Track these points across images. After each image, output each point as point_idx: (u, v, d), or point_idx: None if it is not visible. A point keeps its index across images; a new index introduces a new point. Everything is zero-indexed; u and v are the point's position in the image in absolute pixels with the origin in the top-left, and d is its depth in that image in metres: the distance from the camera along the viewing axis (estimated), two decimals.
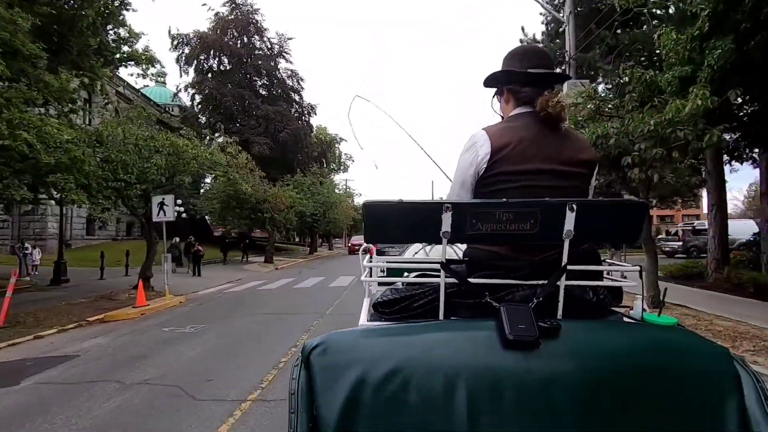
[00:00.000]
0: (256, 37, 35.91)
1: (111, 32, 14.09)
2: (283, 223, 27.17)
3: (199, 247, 18.88)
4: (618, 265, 1.52)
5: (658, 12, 12.05)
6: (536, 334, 1.01)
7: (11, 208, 11.87)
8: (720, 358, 1.04)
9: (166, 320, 9.03)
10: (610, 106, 8.10)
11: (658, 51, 8.73)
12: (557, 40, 14.03)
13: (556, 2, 13.92)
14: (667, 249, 21.50)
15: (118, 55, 14.06)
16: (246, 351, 6.26)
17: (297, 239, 52.59)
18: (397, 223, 1.24)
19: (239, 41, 35.17)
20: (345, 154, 55.08)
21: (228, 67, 35.17)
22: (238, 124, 33.72)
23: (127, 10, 13.89)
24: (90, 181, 9.63)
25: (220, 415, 3.95)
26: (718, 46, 6.15)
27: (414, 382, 0.97)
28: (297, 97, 38.51)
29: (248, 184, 21.28)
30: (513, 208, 1.16)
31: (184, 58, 34.65)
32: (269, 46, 36.48)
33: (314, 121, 41.19)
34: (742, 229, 18.87)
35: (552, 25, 14.41)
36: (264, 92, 36.70)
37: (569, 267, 1.20)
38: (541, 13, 14.94)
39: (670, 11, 9.90)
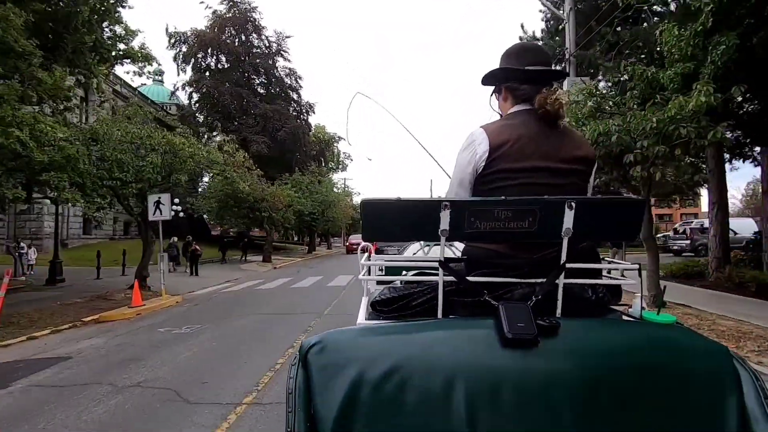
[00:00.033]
0: (254, 35, 35.67)
1: (107, 29, 13.94)
2: (281, 222, 27.02)
3: (197, 247, 18.75)
4: (617, 263, 1.50)
5: (659, 9, 11.99)
6: (535, 333, 1.01)
7: (5, 207, 11.69)
8: (719, 356, 1.04)
9: (161, 320, 8.92)
10: (611, 103, 8.00)
11: (659, 48, 8.64)
12: (557, 38, 13.92)
13: None
14: (675, 248, 21.31)
15: (114, 53, 13.90)
16: (242, 352, 6.15)
17: (295, 238, 52.44)
18: (395, 221, 1.23)
19: (237, 39, 34.93)
20: (343, 153, 54.96)
21: (226, 66, 34.94)
22: (236, 123, 33.52)
23: (123, 7, 13.72)
24: (84, 179, 9.50)
25: (214, 419, 3.85)
26: (722, 42, 6.05)
27: (412, 381, 0.96)
28: (295, 96, 38.28)
29: (246, 183, 21.13)
30: (512, 206, 1.15)
31: (181, 56, 34.37)
32: (267, 45, 36.25)
33: (313, 120, 41.05)
34: (741, 227, 18.81)
35: (552, 22, 14.29)
36: (262, 91, 36.49)
37: (568, 265, 1.19)
38: (540, 11, 14.84)
39: (672, 7, 9.82)
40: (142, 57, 14.52)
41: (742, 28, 6.20)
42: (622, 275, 1.46)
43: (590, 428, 0.94)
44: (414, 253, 3.60)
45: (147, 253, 12.96)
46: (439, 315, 1.25)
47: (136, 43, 14.42)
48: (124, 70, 17.16)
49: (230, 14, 34.51)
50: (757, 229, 19.35)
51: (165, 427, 3.77)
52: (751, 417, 0.96)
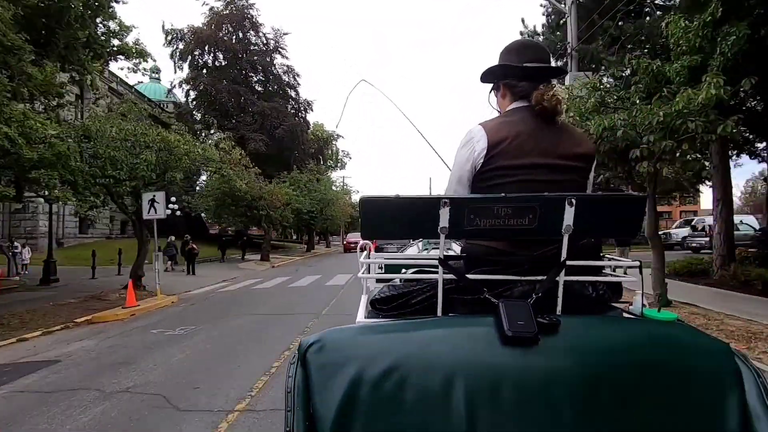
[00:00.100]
0: (252, 32, 35.34)
1: (100, 25, 13.70)
2: (279, 220, 26.79)
3: (194, 246, 18.55)
4: (617, 260, 1.48)
5: (661, 2, 11.78)
6: (535, 330, 1.00)
7: None
8: (721, 353, 1.03)
9: (155, 321, 8.71)
10: (615, 97, 7.80)
11: (663, 41, 8.43)
12: (558, 33, 13.71)
13: None
14: (693, 245, 21.09)
15: (107, 49, 13.66)
16: (236, 355, 5.95)
17: (294, 237, 52.22)
18: (394, 218, 1.22)
19: (234, 36, 34.60)
20: (342, 151, 54.73)
21: (223, 63, 34.63)
22: (233, 121, 33.25)
23: (117, 2, 13.50)
24: (76, 177, 9.27)
25: (203, 427, 3.65)
26: (731, 32, 5.85)
27: (411, 380, 0.96)
28: (293, 93, 37.96)
29: (243, 181, 20.89)
30: (511, 203, 1.14)
31: (178, 53, 34.05)
32: (265, 42, 35.92)
33: (311, 117, 40.75)
34: (742, 224, 18.64)
35: (553, 16, 14.06)
36: (260, 88, 36.18)
37: (568, 262, 1.18)
38: (541, 5, 14.62)
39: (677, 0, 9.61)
40: (137, 53, 14.29)
41: (752, 18, 6.00)
42: (625, 272, 1.44)
43: (591, 426, 0.93)
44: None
45: (142, 252, 12.75)
46: (439, 313, 1.23)
47: (130, 39, 14.23)
48: (118, 67, 16.85)
49: (227, 11, 34.18)
50: (757, 226, 19.23)
51: None
52: (752, 414, 0.95)
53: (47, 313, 9.54)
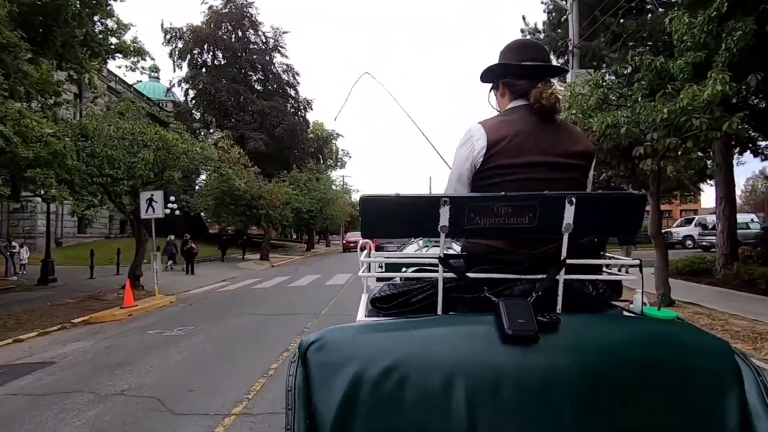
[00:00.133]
0: (251, 31, 35.20)
1: (98, 23, 13.60)
2: (279, 219, 26.67)
3: (192, 245, 18.45)
4: (617, 258, 1.47)
5: None
6: (535, 329, 1.00)
7: None
8: (720, 351, 1.03)
9: (153, 322, 8.62)
10: (617, 94, 7.71)
11: (666, 38, 8.34)
12: (559, 30, 13.60)
13: None
14: (704, 243, 21.01)
15: (105, 47, 13.56)
16: (234, 356, 5.86)
17: (294, 236, 52.13)
18: (394, 217, 1.22)
19: (233, 35, 34.46)
20: (342, 150, 54.64)
21: (222, 62, 34.48)
22: (233, 120, 33.12)
23: (115, 0, 13.42)
24: (73, 176, 9.16)
25: None
26: (738, 27, 5.75)
27: (412, 379, 0.96)
28: (293, 92, 37.82)
29: (242, 180, 20.78)
30: (511, 202, 1.14)
31: (177, 52, 33.91)
32: (264, 40, 35.78)
33: (311, 116, 40.61)
34: (753, 222, 18.52)
35: (554, 14, 13.94)
36: (259, 87, 36.04)
37: (568, 261, 1.18)
38: (542, 2, 14.48)
39: None
40: (135, 51, 14.18)
41: (758, 13, 5.90)
42: (626, 271, 1.44)
43: (591, 424, 0.93)
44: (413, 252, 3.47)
45: (140, 251, 12.64)
46: (439, 311, 1.23)
47: (128, 37, 14.13)
48: (116, 65, 16.70)
49: (226, 9, 34.05)
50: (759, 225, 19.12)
51: None
52: (752, 413, 0.95)
53: (44, 313, 9.45)
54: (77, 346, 6.87)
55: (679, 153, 6.56)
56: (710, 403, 0.96)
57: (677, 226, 26.64)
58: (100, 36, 13.52)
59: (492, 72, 1.55)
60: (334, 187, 39.99)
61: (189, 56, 33.83)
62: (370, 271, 1.85)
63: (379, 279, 1.82)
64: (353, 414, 0.94)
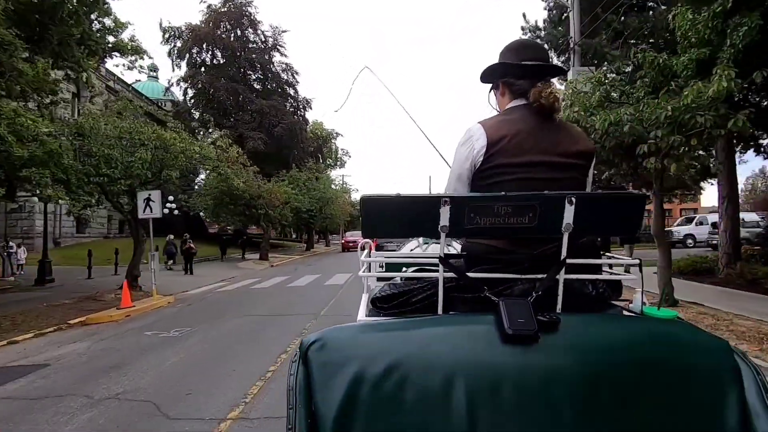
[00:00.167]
0: (250, 30, 35.04)
1: (95, 21, 13.49)
2: (278, 219, 26.57)
3: (191, 245, 18.35)
4: (617, 258, 1.46)
5: None
6: (535, 328, 1.00)
7: None
8: (720, 350, 1.04)
9: (150, 323, 8.52)
10: (619, 91, 7.61)
11: (668, 35, 8.24)
12: (560, 28, 13.48)
13: None
14: (714, 242, 20.95)
15: (102, 46, 13.44)
16: (231, 358, 5.76)
17: (294, 236, 52.00)
18: (394, 217, 1.23)
19: (232, 34, 34.31)
20: (341, 149, 54.47)
21: (221, 61, 34.33)
22: (232, 119, 32.99)
23: None
24: (69, 175, 9.06)
25: None
26: (743, 23, 5.66)
27: (412, 378, 0.96)
28: (292, 91, 37.66)
29: (241, 180, 20.66)
30: (511, 202, 1.14)
31: (176, 51, 33.77)
32: (263, 39, 35.62)
33: (310, 116, 40.46)
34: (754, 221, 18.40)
35: (555, 11, 13.83)
36: (258, 86, 35.89)
37: (568, 260, 1.18)
38: None
39: None
40: (132, 50, 14.06)
41: (764, 8, 5.81)
42: (628, 271, 1.44)
43: (591, 423, 0.93)
44: (411, 250, 3.48)
45: (138, 251, 12.55)
46: (440, 311, 1.24)
47: (125, 36, 14.02)
48: (114, 64, 16.58)
49: (225, 8, 33.90)
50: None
51: None
52: (751, 412, 0.95)
53: (40, 314, 9.35)
54: (73, 348, 6.78)
55: (683, 151, 6.46)
56: (710, 402, 0.96)
57: (678, 225, 26.57)
58: (98, 34, 13.41)
59: (492, 72, 1.55)
60: (333, 186, 39.84)
61: (188, 55, 33.70)
62: (370, 271, 1.85)
63: (379, 279, 1.82)
64: (354, 413, 0.94)
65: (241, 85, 33.74)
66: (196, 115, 34.34)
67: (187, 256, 18.13)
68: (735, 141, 10.49)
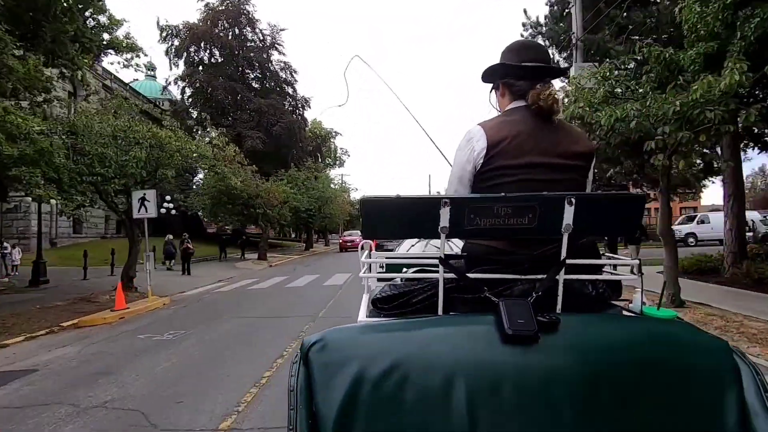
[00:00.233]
0: (248, 28, 34.81)
1: (90, 19, 13.29)
2: (276, 218, 26.37)
3: (189, 245, 18.16)
4: (617, 258, 1.45)
5: None
6: (535, 329, 1.00)
7: None
8: (719, 350, 1.04)
9: (144, 325, 8.33)
10: (624, 86, 7.41)
11: (673, 30, 8.05)
12: (561, 24, 13.29)
13: None
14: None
15: (97, 43, 13.23)
16: (225, 363, 5.56)
17: (293, 235, 51.81)
18: (394, 218, 1.24)
19: (230, 33, 34.08)
20: (340, 148, 54.26)
21: (219, 60, 34.10)
22: (230, 118, 32.78)
23: None
24: (61, 174, 8.86)
25: None
26: (755, 14, 5.47)
27: (412, 379, 0.96)
28: (290, 90, 37.42)
29: (238, 179, 20.45)
30: (511, 203, 1.15)
31: (173, 50, 33.54)
32: (261, 38, 35.39)
33: (309, 115, 40.20)
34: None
35: (557, 6, 13.63)
36: (256, 85, 35.67)
37: (568, 261, 1.18)
38: None
39: None
40: (127, 47, 13.86)
41: None
42: (631, 272, 1.41)
43: (591, 423, 0.93)
44: (408, 249, 3.45)
45: (133, 252, 12.35)
46: (440, 312, 1.24)
47: (121, 33, 13.82)
48: (109, 62, 16.37)
49: (223, 7, 33.69)
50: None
51: None
52: (751, 411, 0.95)
53: (32, 316, 9.14)
54: (63, 352, 6.58)
55: (691, 147, 6.28)
56: (709, 402, 0.97)
57: (679, 224, 26.40)
58: (92, 32, 13.20)
59: (492, 72, 1.55)
60: (332, 185, 39.68)
61: (185, 54, 33.48)
62: (370, 272, 1.84)
63: (379, 279, 1.82)
64: (354, 414, 0.95)
65: (240, 83, 33.53)
66: (194, 114, 34.11)
67: (184, 256, 17.95)
68: (741, 137, 10.30)
